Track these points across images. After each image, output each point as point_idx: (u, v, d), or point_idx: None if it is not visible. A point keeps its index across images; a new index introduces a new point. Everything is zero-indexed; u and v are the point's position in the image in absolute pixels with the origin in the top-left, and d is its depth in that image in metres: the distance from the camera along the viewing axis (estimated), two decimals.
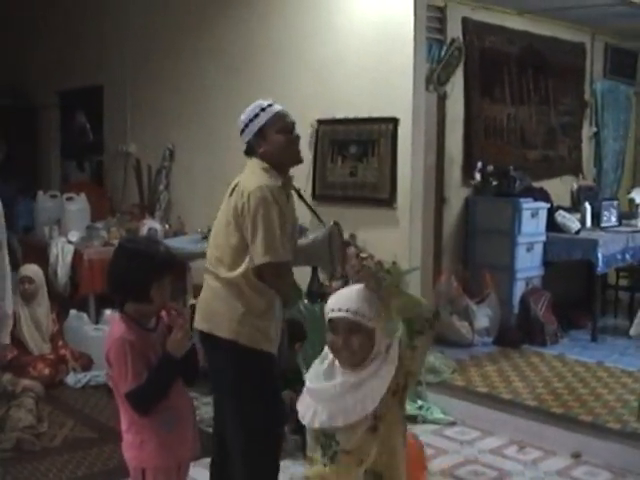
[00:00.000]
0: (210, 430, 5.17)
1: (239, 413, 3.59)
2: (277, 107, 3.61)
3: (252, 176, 3.53)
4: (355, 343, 2.58)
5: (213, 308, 3.62)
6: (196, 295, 6.46)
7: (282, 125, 3.58)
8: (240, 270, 3.51)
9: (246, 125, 3.59)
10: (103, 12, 8.78)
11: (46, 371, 6.24)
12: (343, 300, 2.63)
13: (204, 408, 5.59)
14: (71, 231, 7.60)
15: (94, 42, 8.88)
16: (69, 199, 8.05)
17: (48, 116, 10.03)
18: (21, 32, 10.00)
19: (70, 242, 7.45)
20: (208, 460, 4.47)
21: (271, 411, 3.62)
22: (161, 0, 8.06)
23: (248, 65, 7.04)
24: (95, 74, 8.91)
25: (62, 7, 9.34)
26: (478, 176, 7.84)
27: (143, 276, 3.00)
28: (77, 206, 8.01)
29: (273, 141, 3.55)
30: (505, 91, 8.31)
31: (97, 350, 6.43)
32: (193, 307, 6.39)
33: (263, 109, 3.57)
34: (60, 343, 6.58)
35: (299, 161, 3.67)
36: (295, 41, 6.64)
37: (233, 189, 3.56)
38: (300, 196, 3.96)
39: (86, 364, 6.54)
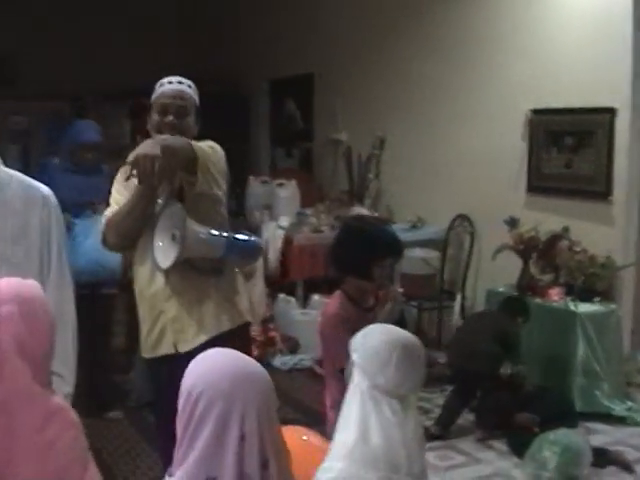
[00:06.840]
0: None
1: None
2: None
3: None
4: None
5: None
6: (403, 284, 6.52)
7: None
8: None
9: None
10: (315, 1, 8.93)
11: (255, 352, 6.42)
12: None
13: None
14: (281, 216, 7.76)
15: (305, 31, 9.02)
16: (280, 185, 8.23)
17: (258, 104, 10.28)
18: (233, 21, 10.31)
19: (280, 227, 7.59)
20: None
21: None
22: None
23: (460, 53, 6.95)
24: (305, 62, 9.04)
25: None
26: None
27: (367, 255, 3.07)
28: (288, 192, 8.16)
29: None
30: None
31: (304, 334, 6.59)
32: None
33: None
34: (271, 326, 6.76)
35: None
36: (509, 29, 6.49)
37: None
38: None
39: (293, 347, 6.69)
